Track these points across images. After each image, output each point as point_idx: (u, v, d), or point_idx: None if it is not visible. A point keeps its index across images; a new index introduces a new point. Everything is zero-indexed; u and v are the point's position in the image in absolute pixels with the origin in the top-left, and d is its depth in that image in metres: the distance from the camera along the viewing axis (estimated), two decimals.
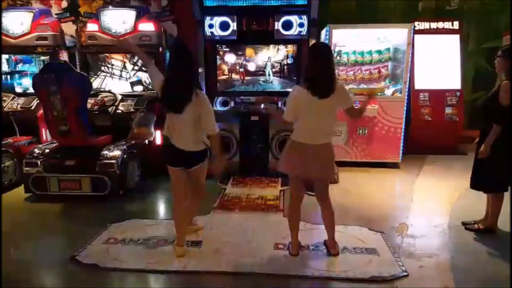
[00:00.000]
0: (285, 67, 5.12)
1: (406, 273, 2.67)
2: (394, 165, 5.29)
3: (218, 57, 5.15)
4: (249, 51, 5.14)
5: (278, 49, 5.10)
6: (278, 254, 2.96)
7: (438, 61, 5.98)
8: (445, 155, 5.74)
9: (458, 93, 5.94)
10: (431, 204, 4.03)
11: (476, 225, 3.35)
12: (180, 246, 2.94)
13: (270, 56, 5.13)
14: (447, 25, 6.06)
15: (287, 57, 5.09)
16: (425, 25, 6.03)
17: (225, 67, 5.19)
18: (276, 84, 5.19)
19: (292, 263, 2.83)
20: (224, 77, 5.21)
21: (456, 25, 6.04)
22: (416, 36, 5.47)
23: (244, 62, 5.16)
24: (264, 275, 2.68)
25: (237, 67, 5.17)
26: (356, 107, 2.90)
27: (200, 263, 2.82)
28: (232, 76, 5.20)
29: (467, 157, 5.68)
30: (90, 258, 2.91)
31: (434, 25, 6.04)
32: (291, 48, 5.08)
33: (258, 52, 5.14)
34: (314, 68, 2.64)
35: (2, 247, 2.76)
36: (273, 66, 5.14)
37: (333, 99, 2.64)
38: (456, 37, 6.04)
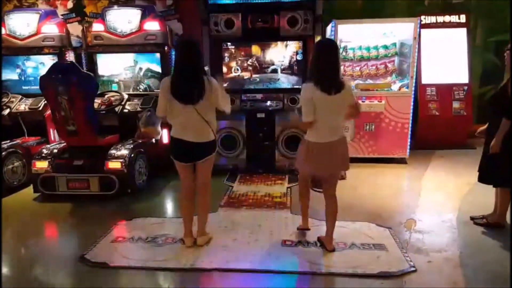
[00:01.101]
0: (293, 63, 5.10)
1: (414, 269, 2.66)
2: (401, 161, 5.26)
3: (223, 54, 5.15)
4: (255, 48, 5.14)
5: (286, 46, 5.08)
6: (286, 250, 2.96)
7: (445, 55, 5.92)
8: (453, 150, 5.70)
9: (466, 87, 5.88)
10: (439, 199, 4.01)
11: (484, 220, 3.32)
12: (202, 235, 3.07)
13: (277, 53, 5.11)
14: (454, 18, 5.98)
15: (296, 54, 5.07)
16: (431, 19, 5.96)
17: (232, 65, 5.18)
18: (284, 81, 5.17)
19: (299, 259, 2.83)
20: (232, 75, 5.20)
21: (463, 18, 5.97)
22: (422, 30, 5.42)
23: (252, 60, 5.15)
24: (272, 272, 2.69)
25: (243, 64, 5.16)
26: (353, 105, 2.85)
27: (208, 261, 2.84)
28: (240, 73, 5.18)
29: (476, 152, 5.63)
30: (99, 257, 2.93)
31: (440, 19, 5.98)
32: (298, 44, 5.05)
33: (265, 49, 5.13)
34: (323, 64, 2.65)
35: (1, 247, 2.78)
36: (280, 63, 5.13)
37: (342, 95, 2.66)
38: (463, 31, 5.97)
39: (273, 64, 5.13)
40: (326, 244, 2.95)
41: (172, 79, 2.82)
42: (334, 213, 2.92)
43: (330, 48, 2.72)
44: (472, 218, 3.40)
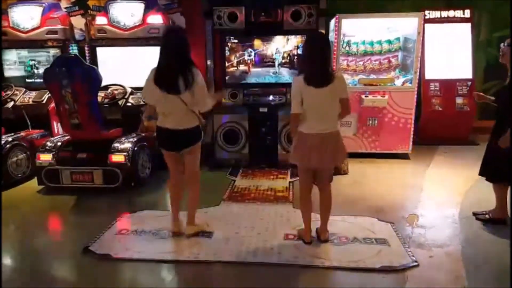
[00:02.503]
0: (295, 57, 5.09)
1: (416, 263, 2.67)
2: (404, 156, 5.26)
3: (226, 48, 5.15)
4: (257, 42, 5.12)
5: (287, 40, 5.07)
6: (288, 244, 2.98)
7: (449, 50, 5.88)
8: (456, 146, 5.69)
9: (469, 83, 5.85)
10: (441, 195, 4.01)
11: (487, 215, 3.32)
12: (191, 224, 3.10)
13: (279, 47, 5.10)
14: (458, 13, 5.94)
15: (297, 48, 5.06)
16: (435, 13, 5.92)
17: (233, 59, 5.18)
18: (285, 75, 5.17)
19: (302, 253, 2.85)
20: (233, 68, 5.21)
21: (467, 13, 5.92)
22: (426, 25, 5.38)
23: (253, 54, 5.14)
24: (275, 265, 2.71)
25: (245, 59, 5.15)
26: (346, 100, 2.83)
27: (211, 253, 2.86)
28: (240, 67, 5.18)
29: (479, 148, 5.63)
30: (103, 249, 2.96)
31: (445, 13, 5.93)
32: (300, 39, 5.04)
33: (266, 43, 5.11)
34: (308, 58, 2.70)
35: (1, 247, 2.81)
36: (282, 57, 5.12)
37: (331, 88, 2.67)
38: (468, 26, 5.93)
39: (273, 58, 5.12)
40: (320, 234, 2.98)
41: (157, 68, 2.83)
42: (328, 207, 2.94)
43: (319, 41, 2.75)
44: (474, 214, 3.40)
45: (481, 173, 3.38)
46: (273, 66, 5.15)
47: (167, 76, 2.79)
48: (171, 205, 3.20)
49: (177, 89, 2.77)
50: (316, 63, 2.67)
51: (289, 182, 4.42)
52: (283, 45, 5.10)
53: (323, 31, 4.85)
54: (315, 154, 2.75)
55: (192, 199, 3.13)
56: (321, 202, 2.96)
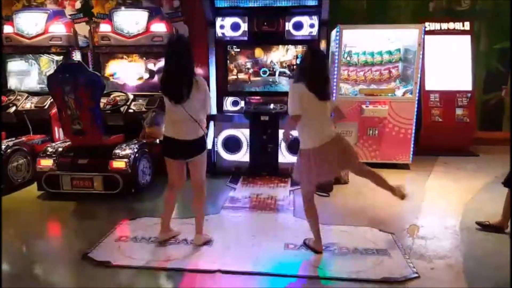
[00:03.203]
0: (294, 67, 5.13)
1: (417, 275, 2.66)
2: (404, 166, 5.27)
3: (228, 57, 5.18)
4: (258, 51, 5.16)
5: (287, 50, 5.11)
6: (289, 254, 2.97)
7: (449, 62, 5.93)
8: (456, 157, 5.70)
9: (469, 94, 5.89)
10: (442, 206, 4.01)
11: (487, 222, 3.32)
12: (199, 233, 3.11)
13: (280, 56, 5.14)
14: (458, 25, 6.01)
15: (296, 58, 5.10)
16: (436, 25, 5.98)
17: (235, 67, 5.21)
18: (284, 84, 5.19)
19: (302, 263, 2.83)
20: (234, 77, 5.24)
21: (467, 25, 5.99)
22: (426, 36, 5.42)
23: (253, 63, 5.17)
24: (275, 275, 2.70)
25: (245, 68, 5.19)
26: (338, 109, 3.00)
27: (210, 262, 2.85)
28: (239, 76, 5.22)
29: (479, 159, 5.67)
30: (102, 255, 2.95)
31: (445, 25, 6.00)
32: (300, 49, 5.08)
33: (267, 52, 5.15)
34: (314, 72, 2.77)
35: (1, 247, 2.80)
36: (282, 66, 5.15)
37: (327, 103, 2.84)
38: (468, 38, 5.99)
39: (273, 67, 5.15)
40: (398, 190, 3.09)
41: (162, 77, 2.91)
42: (380, 179, 3.10)
43: (320, 56, 2.92)
44: (477, 223, 3.38)
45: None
46: (273, 75, 5.18)
47: (171, 86, 2.85)
48: (164, 213, 3.18)
49: (181, 98, 2.81)
50: (323, 77, 2.79)
51: (290, 190, 4.41)
52: (284, 55, 5.13)
53: (324, 43, 4.89)
54: (331, 164, 2.82)
55: (200, 208, 3.13)
56: (372, 180, 3.09)
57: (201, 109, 2.93)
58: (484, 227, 3.32)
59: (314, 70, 2.76)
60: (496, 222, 3.29)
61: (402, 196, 3.06)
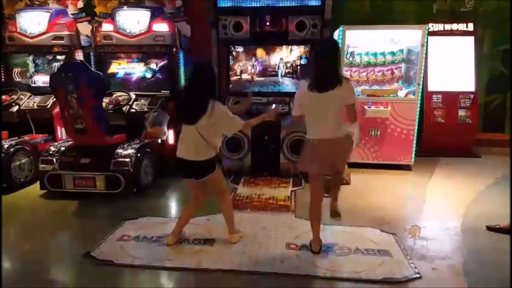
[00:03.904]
0: (298, 67, 5.13)
1: (418, 275, 2.66)
2: (406, 167, 5.26)
3: (231, 57, 5.19)
4: (260, 51, 5.17)
5: (291, 50, 5.11)
6: (290, 254, 2.97)
7: (452, 63, 5.91)
8: (458, 158, 5.69)
9: (472, 96, 5.87)
10: (443, 207, 4.00)
11: (498, 226, 3.30)
12: (232, 233, 3.15)
13: (283, 57, 5.14)
14: (462, 27, 5.99)
15: (300, 58, 5.10)
16: (439, 26, 5.97)
17: (237, 68, 5.22)
18: (289, 84, 5.20)
19: (304, 263, 2.84)
20: (237, 77, 5.25)
21: (470, 27, 5.97)
22: (430, 37, 5.41)
23: (256, 63, 5.19)
24: (276, 275, 2.70)
25: (249, 68, 5.20)
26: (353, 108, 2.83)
27: (212, 262, 2.85)
28: (243, 77, 5.23)
29: (481, 160, 5.65)
30: (105, 255, 2.96)
31: (448, 26, 5.98)
32: (303, 49, 5.08)
33: (270, 53, 5.16)
34: (314, 63, 2.75)
35: (1, 247, 2.81)
36: (285, 67, 5.16)
37: (335, 94, 2.64)
38: (471, 39, 5.97)
39: (276, 68, 5.16)
40: (333, 207, 3.05)
41: (179, 98, 2.98)
42: (337, 182, 3.07)
43: (326, 46, 2.78)
44: (487, 227, 3.36)
45: None
46: (276, 75, 5.19)
47: (183, 107, 2.90)
48: (179, 220, 3.16)
49: (193, 119, 2.82)
50: (321, 67, 2.68)
51: (291, 191, 4.41)
52: (287, 55, 5.14)
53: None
54: (327, 158, 2.79)
55: (227, 210, 3.15)
56: (333, 182, 3.05)
57: (216, 134, 2.91)
58: (496, 231, 3.28)
59: (315, 63, 2.75)
60: (506, 225, 3.26)
61: (333, 214, 3.04)
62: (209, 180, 2.99)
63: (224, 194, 3.15)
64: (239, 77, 5.24)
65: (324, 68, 2.67)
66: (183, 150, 2.95)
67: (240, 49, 5.18)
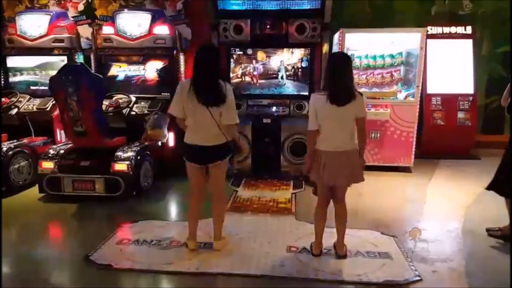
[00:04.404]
0: (299, 70, 5.14)
1: (419, 278, 2.65)
2: (406, 169, 5.26)
3: (231, 60, 5.20)
4: (260, 54, 5.18)
5: (292, 52, 5.13)
6: (291, 256, 2.96)
7: (451, 65, 5.94)
8: (457, 160, 5.70)
9: (471, 98, 5.89)
10: (444, 209, 4.00)
11: (499, 232, 3.27)
12: (218, 239, 3.07)
13: (283, 59, 5.15)
14: (460, 29, 6.02)
15: (301, 60, 5.11)
16: (438, 29, 5.99)
17: (238, 70, 5.23)
18: (290, 87, 5.21)
19: (305, 266, 2.83)
20: (237, 80, 5.25)
21: (469, 29, 6.00)
22: (428, 40, 5.44)
23: (258, 65, 5.20)
24: (277, 278, 2.69)
25: (250, 70, 5.21)
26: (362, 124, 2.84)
27: (213, 265, 2.84)
28: (245, 79, 5.23)
29: (480, 162, 5.66)
30: (104, 258, 2.94)
31: (447, 29, 6.01)
32: (304, 51, 5.10)
33: (270, 55, 5.17)
34: (332, 78, 2.74)
35: (1, 247, 2.80)
36: (286, 69, 5.17)
37: (351, 106, 2.71)
38: (469, 42, 6.00)
39: (278, 70, 5.17)
40: (338, 250, 2.97)
41: (193, 79, 2.83)
42: (342, 220, 2.93)
43: (343, 60, 2.81)
44: (488, 230, 3.35)
45: (490, 187, 3.28)
46: (277, 78, 5.20)
47: (202, 88, 2.79)
48: (189, 222, 3.08)
49: (210, 101, 2.78)
50: (339, 81, 2.72)
51: (292, 193, 4.41)
52: (288, 58, 5.15)
53: (326, 46, 4.91)
54: (328, 171, 2.76)
55: (219, 214, 3.10)
56: (336, 215, 2.95)
57: (225, 115, 2.85)
58: (495, 237, 3.26)
59: (333, 76, 2.75)
60: (506, 231, 3.23)
61: (314, 251, 2.99)
62: (219, 166, 2.93)
63: (223, 193, 3.10)
64: (240, 79, 5.25)
65: (343, 82, 2.72)
66: (196, 136, 2.87)
67: (240, 52, 5.19)
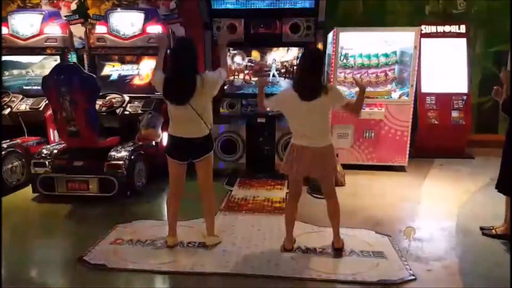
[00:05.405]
0: (293, 68, 5.13)
1: (414, 277, 2.66)
2: (400, 168, 5.28)
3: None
4: (254, 53, 5.17)
5: (288, 50, 5.12)
6: (285, 256, 2.96)
7: (445, 64, 5.96)
8: (452, 159, 5.72)
9: (465, 97, 5.92)
10: (438, 208, 4.01)
11: (493, 231, 3.28)
12: (210, 235, 3.12)
13: (277, 58, 5.14)
14: (454, 28, 6.04)
15: (297, 58, 5.10)
16: (432, 28, 6.01)
17: (231, 68, 5.21)
18: (283, 85, 5.20)
19: (299, 265, 2.82)
20: (231, 79, 5.23)
21: (463, 28, 6.02)
22: (422, 39, 5.46)
23: (250, 64, 5.19)
24: (271, 277, 2.68)
25: (243, 69, 5.20)
26: (352, 99, 2.99)
27: (207, 265, 2.83)
28: (239, 77, 5.22)
29: (474, 161, 5.70)
30: (98, 258, 2.92)
31: (441, 28, 6.03)
32: (299, 50, 5.09)
33: (264, 53, 5.16)
34: (300, 72, 2.82)
35: (2, 247, 2.77)
36: (281, 67, 5.16)
37: (323, 100, 2.71)
38: (463, 41, 6.02)
39: (272, 69, 5.16)
40: (334, 243, 3.00)
41: (164, 80, 2.87)
42: (335, 213, 2.96)
43: (310, 56, 2.84)
44: (481, 228, 3.36)
45: (497, 187, 3.28)
46: (269, 76, 5.19)
47: (171, 90, 2.83)
48: (169, 218, 3.14)
49: (185, 100, 2.79)
50: (305, 77, 2.74)
51: (286, 193, 4.39)
52: (283, 55, 5.14)
53: (320, 45, 4.91)
54: (303, 165, 2.81)
55: (210, 210, 3.13)
56: (328, 210, 2.99)
57: (206, 105, 2.91)
58: (489, 236, 3.26)
59: (301, 69, 2.82)
60: (501, 230, 3.24)
61: (285, 245, 3.03)
62: (203, 162, 2.96)
63: (212, 189, 3.12)
64: (233, 78, 5.24)
65: (310, 78, 2.72)
66: (178, 128, 2.90)
67: (234, 51, 5.17)
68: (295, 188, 3.00)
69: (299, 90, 2.73)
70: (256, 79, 5.15)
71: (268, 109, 3.05)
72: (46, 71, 4.43)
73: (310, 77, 2.72)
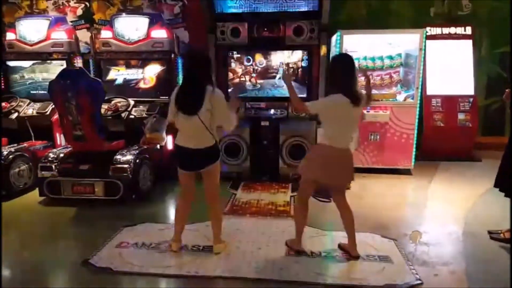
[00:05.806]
0: (298, 71, 5.12)
1: (420, 281, 2.63)
2: (406, 172, 5.24)
3: (229, 62, 5.19)
4: (258, 56, 5.17)
5: (292, 53, 5.11)
6: (290, 260, 2.95)
7: (451, 66, 5.92)
8: (458, 162, 5.67)
9: (471, 99, 5.87)
10: (444, 211, 3.98)
11: (502, 235, 3.24)
12: (218, 243, 3.08)
13: (282, 61, 5.14)
14: (459, 30, 6.01)
15: (302, 60, 5.08)
16: (437, 30, 5.99)
17: (237, 72, 5.21)
18: (286, 89, 5.18)
19: (304, 269, 2.81)
20: (235, 82, 5.24)
21: (468, 30, 5.99)
22: (428, 41, 5.43)
23: (256, 67, 5.18)
24: (276, 281, 2.67)
25: (249, 72, 5.20)
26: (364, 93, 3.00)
27: (211, 269, 2.83)
28: (243, 80, 5.21)
29: (481, 164, 5.63)
30: (103, 262, 2.93)
31: (446, 30, 6.01)
32: (303, 53, 5.07)
33: (268, 56, 5.16)
34: (342, 76, 2.78)
35: (2, 247, 2.79)
36: (288, 67, 5.14)
37: (361, 107, 2.84)
38: (469, 43, 5.99)
39: (279, 72, 5.15)
40: (350, 251, 2.97)
41: (178, 90, 2.91)
42: (351, 222, 2.97)
43: (349, 60, 2.85)
44: (489, 232, 3.33)
45: (496, 185, 3.29)
46: (275, 78, 5.17)
47: (183, 100, 2.85)
48: (176, 224, 3.13)
49: (194, 110, 2.79)
50: (350, 80, 2.76)
51: (290, 196, 4.39)
52: (288, 56, 5.12)
53: (324, 48, 4.91)
54: (335, 171, 2.83)
55: (216, 217, 3.12)
56: (344, 220, 2.99)
57: (213, 121, 2.86)
58: (497, 240, 3.23)
59: (338, 74, 2.80)
60: (508, 234, 3.20)
61: (295, 250, 3.04)
62: (209, 172, 2.95)
63: (218, 196, 3.12)
64: (237, 82, 5.24)
65: (354, 83, 2.79)
66: (185, 139, 2.91)
67: (238, 54, 5.18)
68: (309, 190, 3.00)
69: (350, 95, 2.72)
70: (261, 81, 5.16)
71: (310, 111, 2.95)
72: (53, 76, 4.47)
73: (354, 82, 2.77)
